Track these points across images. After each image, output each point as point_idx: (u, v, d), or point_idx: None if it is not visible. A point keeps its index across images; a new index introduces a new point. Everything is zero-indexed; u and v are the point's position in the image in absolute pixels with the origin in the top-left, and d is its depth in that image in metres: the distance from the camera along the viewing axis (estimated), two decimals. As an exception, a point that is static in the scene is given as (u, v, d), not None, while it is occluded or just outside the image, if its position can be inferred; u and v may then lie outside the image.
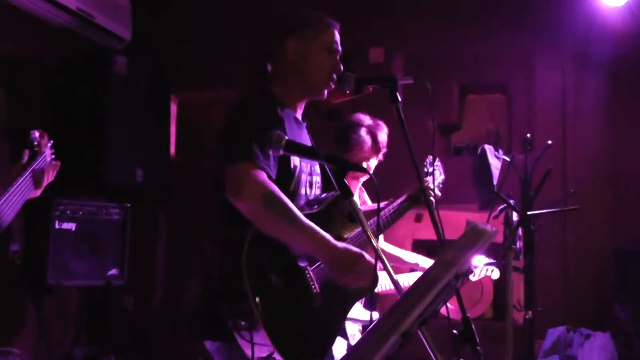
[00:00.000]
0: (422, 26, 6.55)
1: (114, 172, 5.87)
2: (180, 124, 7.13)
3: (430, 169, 3.87)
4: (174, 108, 6.99)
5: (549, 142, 5.00)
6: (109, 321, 6.11)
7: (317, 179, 3.32)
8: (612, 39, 5.97)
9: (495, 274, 4.51)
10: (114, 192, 6.01)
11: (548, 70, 6.35)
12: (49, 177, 3.76)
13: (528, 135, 5.15)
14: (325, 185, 3.35)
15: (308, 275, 2.96)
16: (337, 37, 3.29)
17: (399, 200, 3.72)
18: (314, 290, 2.95)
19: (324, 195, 3.30)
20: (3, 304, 5.59)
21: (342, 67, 3.23)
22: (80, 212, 5.61)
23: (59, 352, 5.83)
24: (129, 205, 5.97)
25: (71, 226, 5.54)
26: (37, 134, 3.79)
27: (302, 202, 3.17)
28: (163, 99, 6.53)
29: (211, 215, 3.11)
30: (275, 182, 2.93)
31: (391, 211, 3.68)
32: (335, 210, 3.18)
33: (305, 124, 3.33)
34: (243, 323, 2.79)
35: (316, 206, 3.17)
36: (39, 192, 3.74)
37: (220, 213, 3.02)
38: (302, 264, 2.95)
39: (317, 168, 3.34)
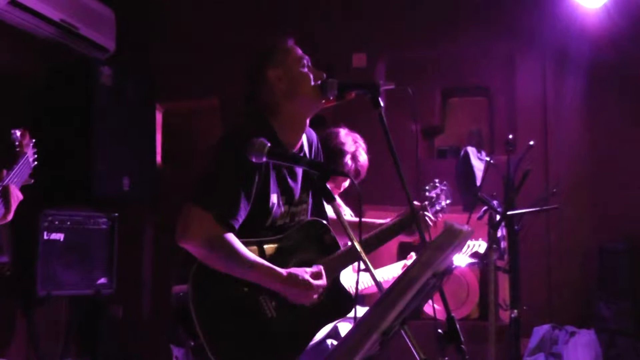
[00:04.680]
0: (404, 31, 6.60)
1: (100, 182, 5.88)
2: (166, 133, 7.15)
3: (433, 193, 3.87)
4: (159, 117, 7.01)
5: (531, 142, 5.04)
6: (99, 330, 6.14)
7: (305, 207, 3.38)
8: (591, 40, 6.03)
9: (483, 247, 4.63)
10: (101, 201, 6.03)
11: (528, 72, 6.41)
12: (17, 196, 3.48)
13: (510, 136, 5.20)
14: (315, 210, 3.47)
15: (262, 301, 3.04)
16: (296, 46, 3.34)
17: (389, 223, 3.66)
18: (269, 315, 3.04)
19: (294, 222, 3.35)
20: (-7, 316, 5.61)
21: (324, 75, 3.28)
22: (68, 223, 5.63)
23: (50, 363, 5.85)
24: (116, 214, 6.00)
25: (59, 236, 5.55)
26: (18, 133, 3.62)
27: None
28: (148, 109, 6.54)
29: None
30: (253, 217, 3.04)
31: (378, 231, 3.63)
32: (303, 235, 3.26)
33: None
34: (193, 344, 2.94)
35: (282, 234, 3.24)
36: (10, 216, 3.46)
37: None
38: (254, 292, 3.03)
39: (305, 196, 3.38)
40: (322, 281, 3.10)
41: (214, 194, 2.98)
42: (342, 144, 4.34)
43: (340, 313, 3.31)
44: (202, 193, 3.00)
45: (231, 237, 2.97)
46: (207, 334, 2.88)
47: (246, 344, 2.98)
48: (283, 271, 3.04)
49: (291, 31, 3.38)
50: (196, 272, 2.94)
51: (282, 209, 3.24)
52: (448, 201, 3.96)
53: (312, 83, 3.22)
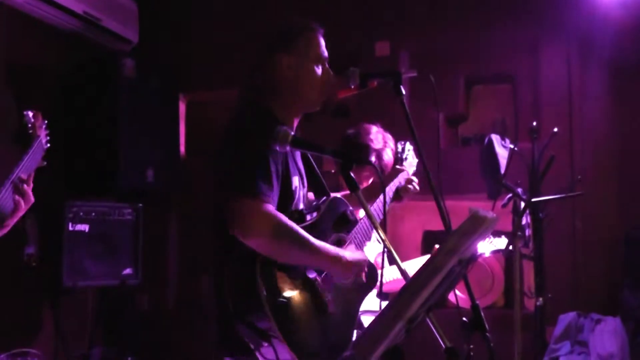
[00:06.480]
0: (427, 19, 6.57)
1: (125, 173, 5.92)
2: (190, 123, 7.17)
3: (404, 155, 4.08)
4: (182, 108, 7.03)
5: (555, 129, 5.02)
6: (125, 321, 6.18)
7: (306, 192, 3.36)
8: (616, 26, 5.97)
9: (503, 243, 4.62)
10: (126, 193, 6.06)
11: (553, 59, 6.35)
12: (30, 199, 3.39)
13: (534, 123, 5.17)
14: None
15: (319, 286, 3.02)
16: (323, 42, 3.26)
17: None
18: (326, 300, 3.02)
19: (314, 202, 3.34)
20: (20, 307, 5.65)
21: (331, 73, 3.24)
22: (93, 214, 5.66)
23: (77, 353, 5.88)
24: (141, 205, 6.03)
25: (85, 227, 5.59)
26: (30, 114, 3.56)
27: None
28: (172, 100, 6.57)
29: (215, 233, 3.12)
30: (279, 201, 2.96)
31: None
32: (327, 216, 3.24)
33: None
34: (265, 343, 2.83)
35: (313, 214, 3.20)
36: (17, 217, 3.36)
37: (226, 236, 2.94)
38: (311, 275, 3.01)
39: (305, 181, 3.37)
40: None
41: (253, 179, 2.86)
42: (371, 140, 4.35)
43: (370, 285, 3.30)
44: (243, 182, 2.87)
45: (289, 221, 2.89)
46: (287, 334, 2.80)
47: (317, 338, 2.96)
48: (345, 254, 3.04)
49: (319, 20, 3.33)
50: (264, 271, 2.84)
51: (303, 192, 3.24)
52: (416, 160, 4.15)
53: (319, 90, 3.20)
